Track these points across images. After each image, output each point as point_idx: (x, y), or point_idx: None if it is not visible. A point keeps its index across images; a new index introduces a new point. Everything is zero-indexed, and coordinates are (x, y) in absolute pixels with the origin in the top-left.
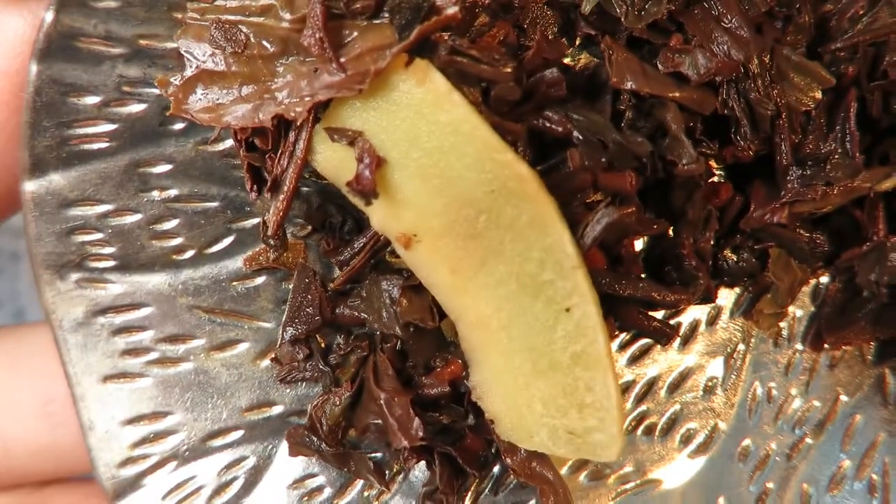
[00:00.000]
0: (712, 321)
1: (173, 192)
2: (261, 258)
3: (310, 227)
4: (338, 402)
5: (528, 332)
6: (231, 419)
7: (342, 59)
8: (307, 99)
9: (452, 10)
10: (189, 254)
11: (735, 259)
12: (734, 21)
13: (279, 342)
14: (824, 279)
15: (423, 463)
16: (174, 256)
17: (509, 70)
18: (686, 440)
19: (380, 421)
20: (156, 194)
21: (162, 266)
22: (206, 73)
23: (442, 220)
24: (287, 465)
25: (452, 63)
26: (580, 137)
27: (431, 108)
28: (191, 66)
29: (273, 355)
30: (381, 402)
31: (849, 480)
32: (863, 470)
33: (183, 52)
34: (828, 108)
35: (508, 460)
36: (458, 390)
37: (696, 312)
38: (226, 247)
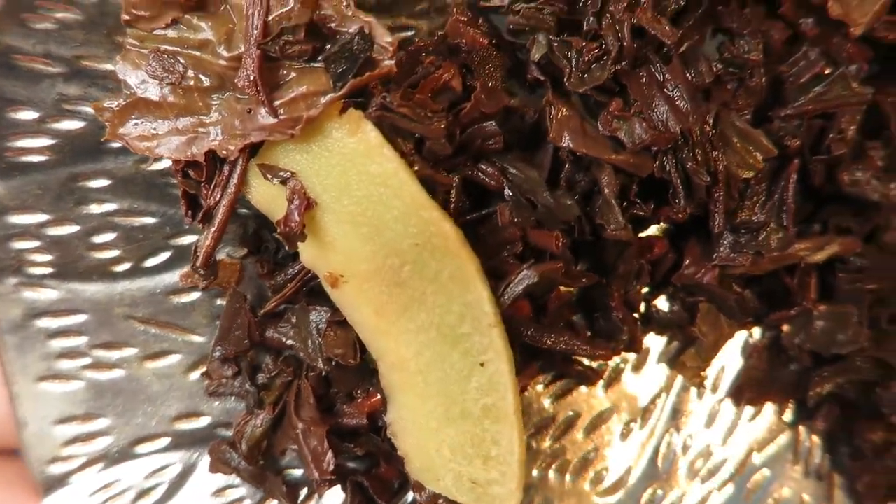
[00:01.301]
0: (638, 366)
1: (112, 207)
2: (196, 278)
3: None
4: (258, 425)
5: (444, 380)
6: (159, 426)
7: (276, 102)
8: (240, 139)
9: (388, 64)
10: (126, 266)
11: (665, 309)
12: (677, 90)
13: (209, 359)
14: (757, 331)
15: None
16: (111, 268)
17: (441, 127)
18: (596, 481)
19: (297, 447)
20: (94, 207)
21: (99, 276)
22: (143, 102)
23: (369, 265)
24: (210, 474)
25: (383, 118)
26: (510, 195)
27: (363, 158)
28: (128, 93)
29: (204, 369)
30: (298, 431)
31: None
32: None
33: (121, 78)
34: (771, 173)
35: (416, 496)
36: (375, 422)
37: (623, 355)
38: (163, 261)
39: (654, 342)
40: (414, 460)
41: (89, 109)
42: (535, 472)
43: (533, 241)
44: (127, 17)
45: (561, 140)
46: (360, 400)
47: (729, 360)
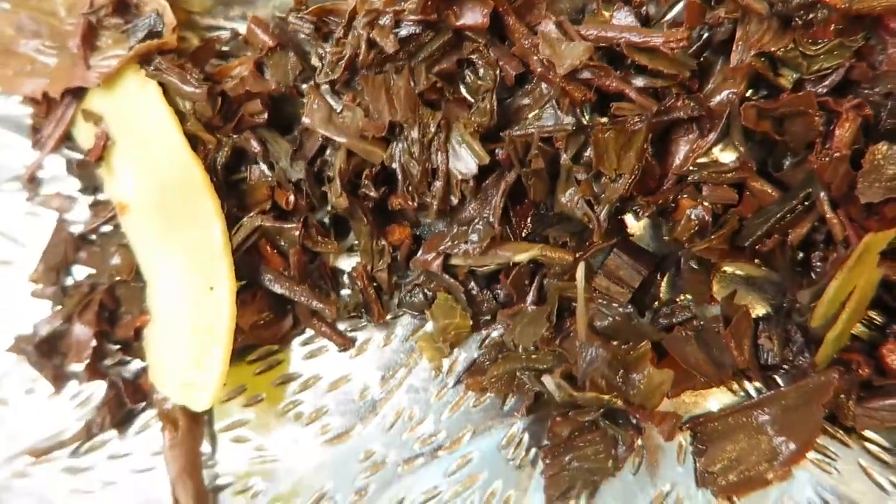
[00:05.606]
0: (387, 341)
1: None
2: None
3: None
4: (52, 321)
5: (189, 300)
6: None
7: (96, 59)
8: (64, 83)
9: (169, 38)
10: None
11: (411, 293)
12: (398, 94)
13: (37, 267)
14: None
15: None
16: None
17: (201, 92)
18: (324, 431)
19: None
20: None
21: None
22: (8, 51)
23: (145, 197)
24: None
25: (157, 76)
26: (260, 161)
27: (145, 109)
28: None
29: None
30: (73, 329)
31: None
32: (455, 497)
33: None
34: (495, 179)
35: (155, 402)
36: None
37: (375, 331)
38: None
39: (405, 322)
40: (154, 367)
41: None
42: (273, 415)
43: (275, 199)
44: None
45: (309, 122)
46: (131, 318)
47: (469, 351)
